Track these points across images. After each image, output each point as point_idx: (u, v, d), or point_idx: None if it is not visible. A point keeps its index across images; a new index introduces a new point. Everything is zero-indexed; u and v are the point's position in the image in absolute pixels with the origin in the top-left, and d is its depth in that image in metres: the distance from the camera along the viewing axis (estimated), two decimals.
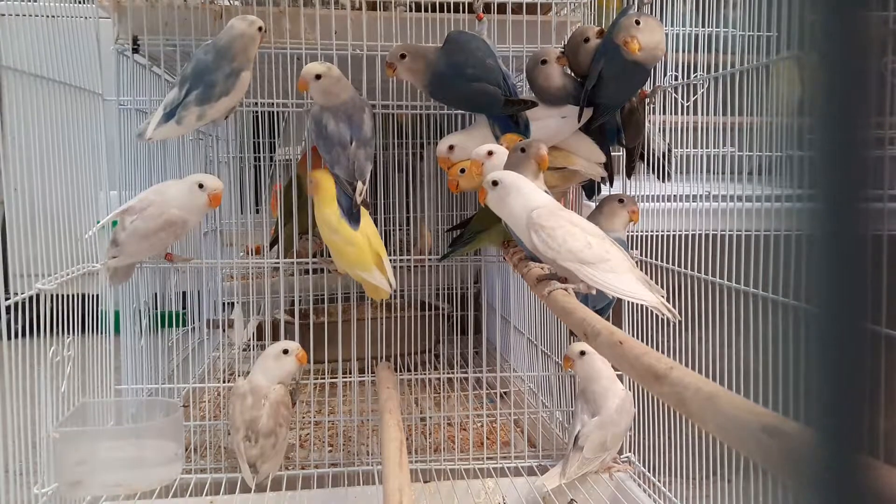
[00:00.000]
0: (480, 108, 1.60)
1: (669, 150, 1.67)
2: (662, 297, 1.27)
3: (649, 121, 1.64)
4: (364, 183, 1.54)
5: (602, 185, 1.74)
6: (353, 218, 1.60)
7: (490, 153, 1.45)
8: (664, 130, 1.69)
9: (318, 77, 1.49)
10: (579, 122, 1.56)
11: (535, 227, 1.20)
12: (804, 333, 0.32)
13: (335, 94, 1.51)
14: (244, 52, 1.46)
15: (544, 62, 1.55)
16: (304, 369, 1.62)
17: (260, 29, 1.46)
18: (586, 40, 1.54)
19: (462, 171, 1.59)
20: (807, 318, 0.32)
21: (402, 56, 1.51)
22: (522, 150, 1.36)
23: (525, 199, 1.25)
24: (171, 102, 1.46)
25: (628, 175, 1.69)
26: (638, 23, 1.41)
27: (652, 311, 1.63)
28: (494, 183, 1.27)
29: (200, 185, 1.49)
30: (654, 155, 1.66)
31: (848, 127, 0.30)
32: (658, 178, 1.67)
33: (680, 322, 1.52)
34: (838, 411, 0.31)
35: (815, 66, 0.31)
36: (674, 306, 1.54)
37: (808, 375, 0.32)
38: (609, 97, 1.54)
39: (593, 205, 1.71)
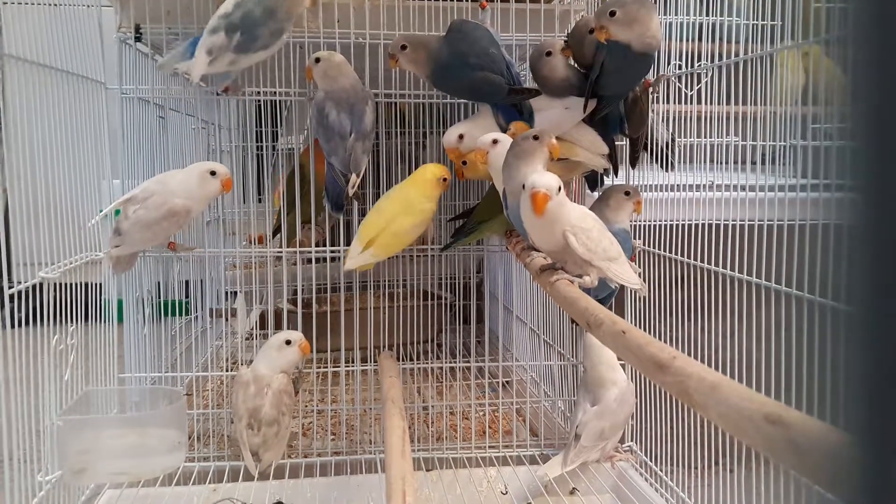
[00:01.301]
0: (484, 98, 1.60)
1: (673, 140, 1.67)
2: (638, 273, 1.29)
3: (653, 110, 1.64)
4: (358, 176, 1.55)
5: (605, 177, 1.73)
6: (338, 207, 1.61)
7: (495, 141, 1.44)
8: (668, 119, 1.69)
9: (317, 60, 1.53)
10: (584, 112, 1.55)
11: (576, 229, 1.18)
12: (843, 333, 0.31)
13: (333, 78, 1.53)
14: (288, 11, 1.46)
15: (549, 54, 1.54)
16: (307, 358, 1.62)
17: None
18: (591, 31, 1.53)
19: (464, 162, 1.59)
20: (846, 318, 0.31)
21: (404, 47, 1.50)
22: (535, 137, 1.32)
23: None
24: (218, 48, 1.42)
25: (632, 165, 1.68)
26: (613, 14, 1.39)
27: (653, 300, 1.64)
28: (560, 188, 1.19)
29: (213, 173, 1.49)
30: (657, 144, 1.66)
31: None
32: (661, 167, 1.67)
33: (683, 311, 1.53)
34: (884, 416, 0.30)
35: (860, 52, 0.30)
36: (676, 296, 1.54)
37: (848, 378, 0.31)
38: (612, 88, 1.53)
39: (596, 195, 1.70)
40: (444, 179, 1.59)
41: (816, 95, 1.28)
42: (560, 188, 1.18)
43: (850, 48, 0.31)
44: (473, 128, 1.58)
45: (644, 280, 1.63)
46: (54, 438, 1.37)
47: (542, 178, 1.18)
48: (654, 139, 1.65)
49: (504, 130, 1.53)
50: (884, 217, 0.29)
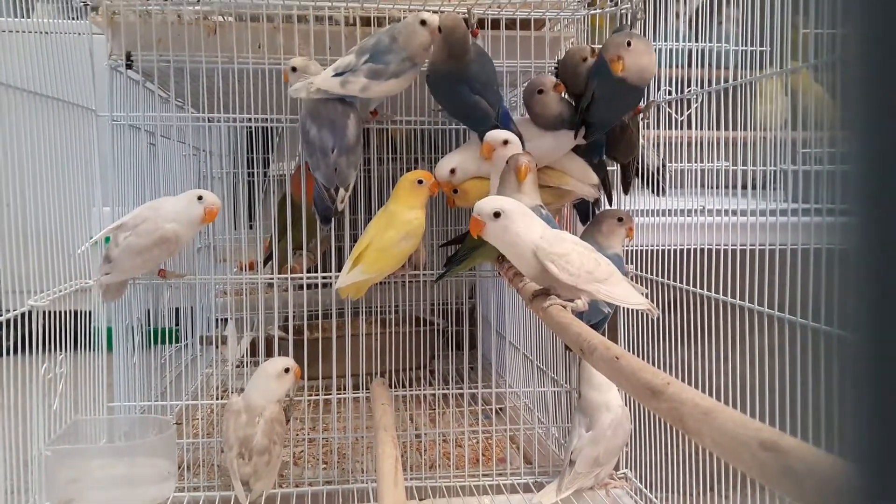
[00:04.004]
0: (468, 121, 1.59)
1: (664, 166, 1.67)
2: (645, 294, 1.28)
3: (643, 136, 1.65)
4: (347, 190, 1.55)
5: (597, 208, 1.73)
6: (326, 220, 1.60)
7: (506, 142, 1.46)
8: (658, 145, 1.69)
9: (293, 69, 1.54)
10: (574, 139, 1.56)
11: (550, 256, 1.19)
12: (839, 358, 0.31)
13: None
14: (407, 42, 1.48)
15: (541, 91, 1.55)
16: (298, 385, 1.61)
17: (423, 23, 1.47)
18: (584, 59, 1.55)
19: (455, 191, 1.60)
20: (843, 343, 0.30)
21: (439, 29, 1.48)
22: (507, 161, 1.39)
23: (527, 227, 1.22)
24: (344, 66, 1.48)
25: (625, 191, 1.69)
26: (629, 44, 1.41)
27: (647, 326, 1.63)
28: (497, 214, 1.20)
29: (200, 197, 1.49)
30: (648, 170, 1.66)
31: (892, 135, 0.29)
32: (652, 192, 1.67)
33: (676, 337, 1.52)
34: (882, 442, 0.30)
35: (854, 74, 0.30)
36: (670, 321, 1.54)
37: (846, 404, 0.30)
38: (601, 117, 1.54)
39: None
40: (421, 182, 1.56)
41: (797, 121, 1.29)
42: (500, 213, 1.20)
43: (840, 72, 0.31)
44: (465, 160, 1.59)
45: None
46: (42, 468, 1.36)
47: (484, 203, 1.21)
48: (644, 165, 1.66)
49: None
50: (880, 240, 0.29)
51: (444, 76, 1.51)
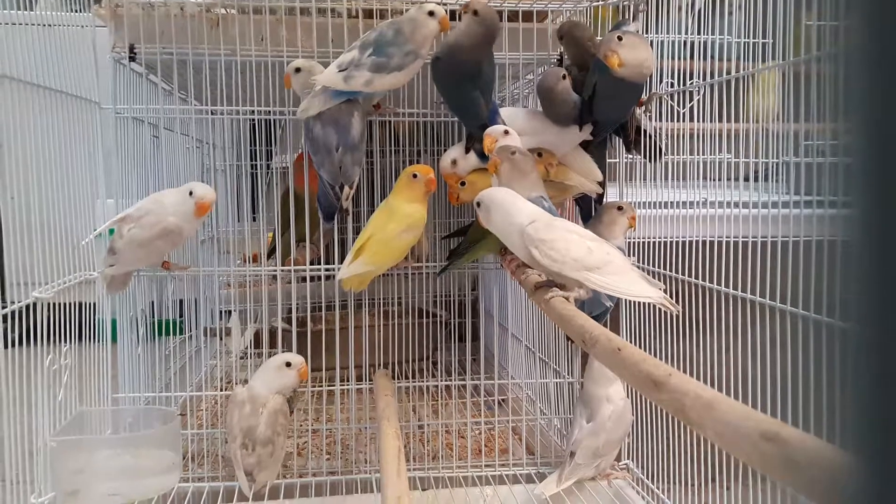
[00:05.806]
0: (459, 111, 1.59)
1: (656, 132, 1.64)
2: (661, 289, 1.26)
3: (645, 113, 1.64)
4: (351, 188, 1.55)
5: (599, 206, 1.73)
6: (329, 217, 1.61)
7: (507, 132, 1.46)
8: (661, 136, 1.69)
9: (297, 70, 1.54)
10: (580, 130, 1.57)
11: (535, 242, 1.19)
12: (839, 349, 0.31)
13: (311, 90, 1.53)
14: (413, 34, 1.48)
15: (564, 77, 1.55)
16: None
17: (431, 14, 1.47)
18: (590, 39, 1.56)
19: (462, 183, 1.60)
20: (846, 336, 0.31)
21: (476, 13, 1.47)
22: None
23: (512, 214, 1.25)
24: (347, 62, 1.48)
25: (628, 150, 1.68)
26: (620, 39, 1.42)
27: (649, 317, 1.64)
28: (478, 204, 1.31)
29: (191, 192, 1.49)
30: (642, 134, 1.64)
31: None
32: (648, 159, 1.65)
33: (678, 328, 1.53)
34: (882, 433, 0.30)
35: (856, 65, 0.30)
36: (672, 313, 1.54)
37: (846, 395, 0.31)
38: (605, 113, 1.54)
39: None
40: (415, 176, 1.56)
41: (799, 113, 1.29)
42: (479, 203, 1.31)
43: (842, 65, 0.31)
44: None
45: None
46: (48, 459, 1.36)
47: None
48: (642, 133, 1.64)
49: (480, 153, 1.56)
50: (881, 231, 0.29)
51: (461, 63, 1.50)
